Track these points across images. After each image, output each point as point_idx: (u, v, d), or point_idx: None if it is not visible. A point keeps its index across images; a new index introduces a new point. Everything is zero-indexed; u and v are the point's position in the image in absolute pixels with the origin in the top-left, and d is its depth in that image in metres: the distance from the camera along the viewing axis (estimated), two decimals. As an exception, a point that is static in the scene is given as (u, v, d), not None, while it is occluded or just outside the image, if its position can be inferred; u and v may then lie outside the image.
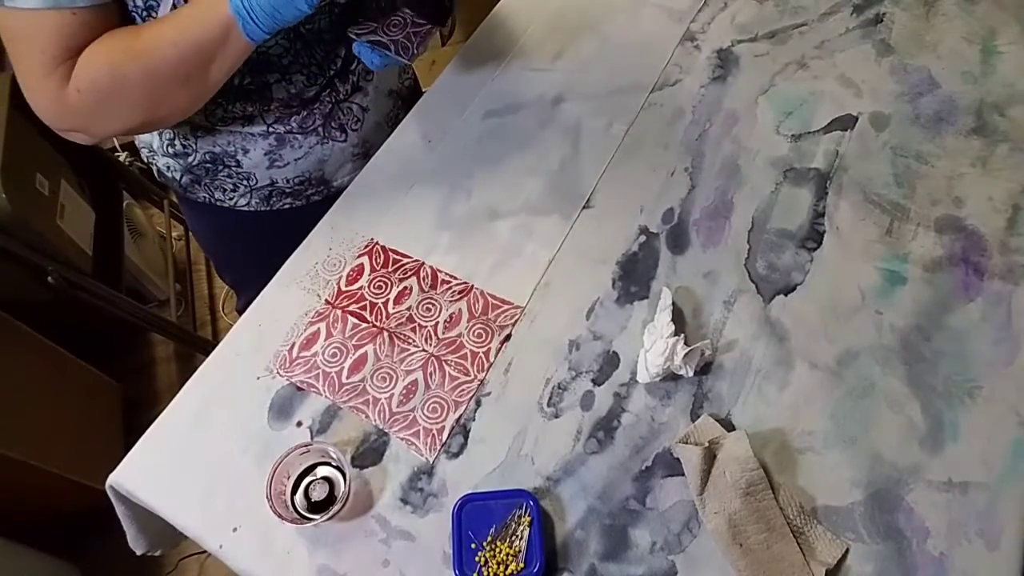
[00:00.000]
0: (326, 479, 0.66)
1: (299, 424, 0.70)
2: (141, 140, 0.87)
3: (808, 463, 0.65)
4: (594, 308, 0.76)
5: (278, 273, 0.81)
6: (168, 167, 0.87)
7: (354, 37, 0.74)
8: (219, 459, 0.68)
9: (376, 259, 0.81)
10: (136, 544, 0.75)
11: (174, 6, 0.65)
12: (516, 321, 0.76)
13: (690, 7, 1.04)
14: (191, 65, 0.64)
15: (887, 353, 0.71)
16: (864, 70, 0.94)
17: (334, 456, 0.64)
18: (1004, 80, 0.91)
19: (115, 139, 1.91)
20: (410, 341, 0.75)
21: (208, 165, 0.84)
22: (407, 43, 0.74)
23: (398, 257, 0.81)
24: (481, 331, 0.75)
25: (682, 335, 0.69)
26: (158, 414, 0.71)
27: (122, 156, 1.87)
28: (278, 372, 0.73)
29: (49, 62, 0.61)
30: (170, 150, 0.84)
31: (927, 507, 0.62)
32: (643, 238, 0.81)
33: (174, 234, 1.98)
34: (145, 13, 0.65)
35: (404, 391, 0.72)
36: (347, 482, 0.63)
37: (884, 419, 0.67)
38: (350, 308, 0.77)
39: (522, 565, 0.60)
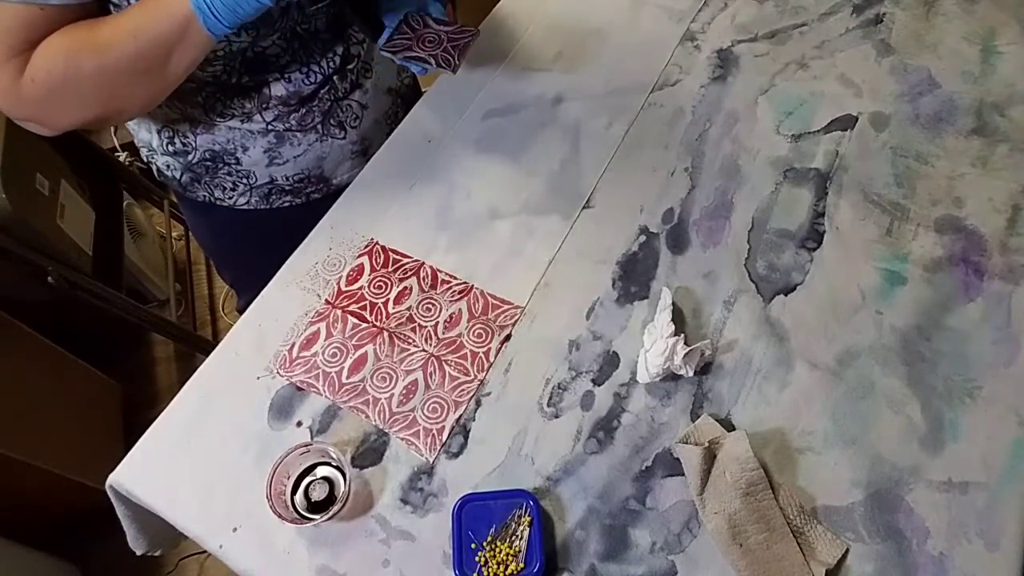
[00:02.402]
0: (326, 479, 0.66)
1: (299, 424, 0.70)
2: (140, 139, 0.87)
3: (808, 463, 0.65)
4: (594, 308, 0.76)
5: (278, 273, 0.81)
6: (168, 166, 0.87)
7: (389, 55, 0.74)
8: (219, 459, 0.68)
9: (376, 259, 0.81)
10: (136, 544, 0.75)
11: None
12: (516, 321, 0.76)
13: (690, 7, 1.04)
14: (149, 59, 0.63)
15: (887, 353, 0.71)
16: (864, 70, 0.94)
17: (334, 456, 0.64)
18: (1004, 80, 0.91)
19: (115, 139, 1.91)
20: (410, 341, 0.75)
21: (208, 163, 0.84)
22: (448, 56, 0.75)
23: (398, 257, 0.81)
24: (481, 331, 0.75)
25: (682, 335, 0.69)
26: (158, 414, 0.71)
27: (122, 156, 1.87)
28: (278, 372, 0.73)
29: (6, 51, 0.61)
30: (170, 148, 0.84)
31: (927, 507, 0.62)
32: (643, 238, 0.81)
33: (174, 234, 1.98)
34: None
35: (404, 391, 0.72)
36: (347, 482, 0.63)
37: (884, 419, 0.67)
38: (350, 308, 0.77)
39: (522, 565, 0.60)
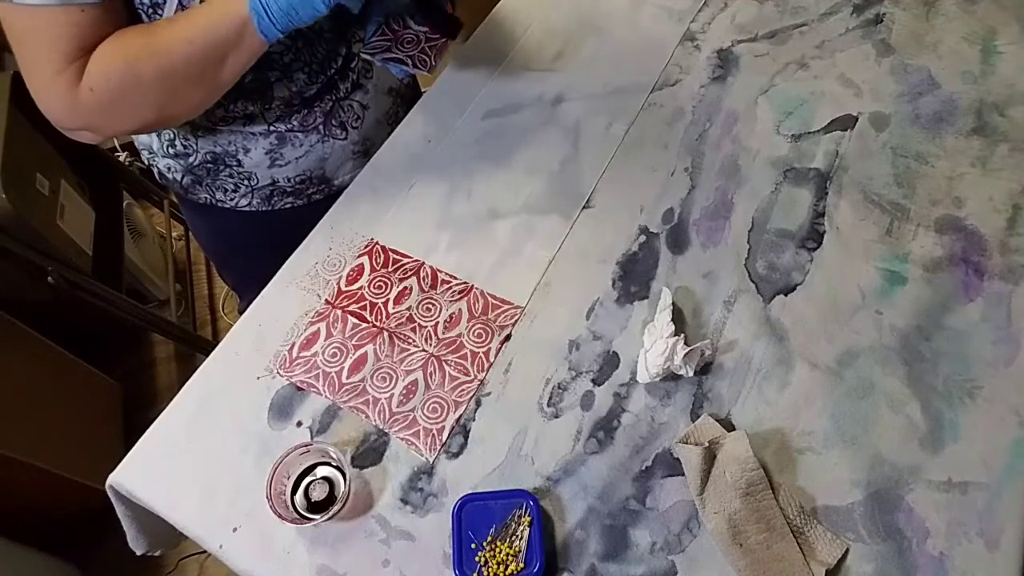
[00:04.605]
0: (326, 479, 0.66)
1: (299, 424, 0.70)
2: (140, 142, 0.87)
3: (808, 463, 0.65)
4: (594, 308, 0.76)
5: (278, 273, 0.81)
6: (169, 168, 0.87)
7: (368, 56, 0.75)
8: (219, 459, 0.68)
9: (376, 259, 0.81)
10: (136, 544, 0.75)
11: (180, 5, 0.65)
12: (516, 321, 0.76)
13: (690, 7, 1.04)
14: (206, 63, 0.64)
15: (887, 353, 0.71)
16: (864, 70, 0.94)
17: (334, 456, 0.64)
18: (1004, 80, 0.91)
19: (115, 139, 1.91)
20: (410, 341, 0.75)
21: (209, 165, 0.84)
22: (424, 57, 0.75)
23: (398, 257, 0.81)
24: (481, 331, 0.75)
25: (682, 335, 0.69)
26: (158, 414, 0.71)
27: (122, 156, 1.87)
28: (278, 372, 0.73)
29: (60, 60, 0.61)
30: (171, 151, 0.84)
31: (927, 507, 0.62)
32: (643, 238, 0.81)
33: (174, 234, 1.98)
34: (151, 11, 0.65)
35: (404, 391, 0.72)
36: (347, 482, 0.63)
37: (884, 419, 0.67)
38: (350, 308, 0.77)
39: (522, 565, 0.60)
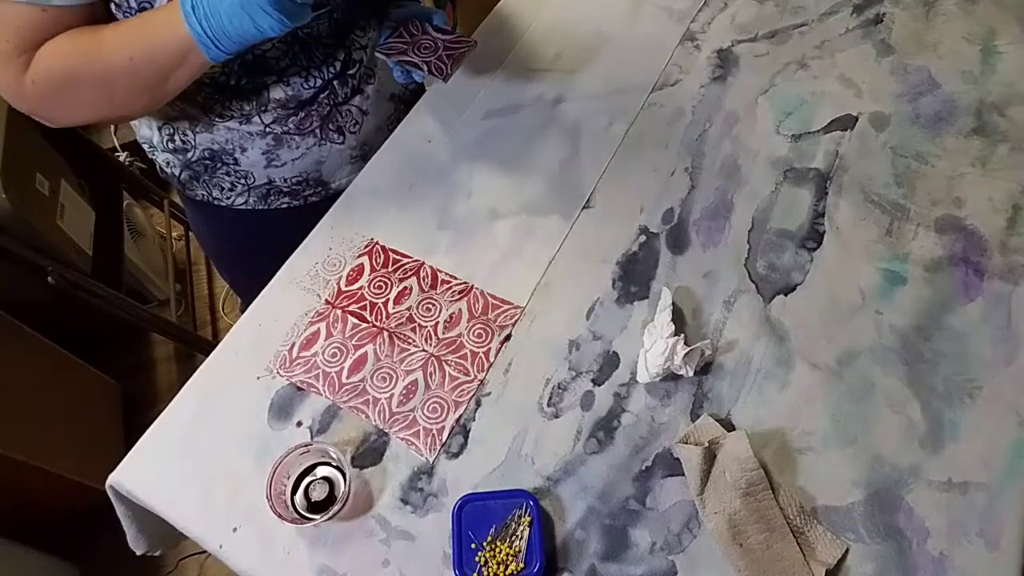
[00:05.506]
0: (326, 479, 0.66)
1: (299, 424, 0.70)
2: (142, 135, 0.87)
3: (808, 463, 0.65)
4: (594, 308, 0.76)
5: (278, 273, 0.81)
6: (168, 163, 0.87)
7: (383, 57, 0.74)
8: (219, 459, 0.68)
9: (376, 259, 0.81)
10: (136, 544, 0.75)
11: None
12: (516, 321, 0.76)
13: (690, 7, 1.04)
14: (147, 78, 0.64)
15: (887, 353, 0.71)
16: (864, 70, 0.94)
17: (334, 456, 0.64)
18: (1004, 80, 0.91)
19: (115, 139, 1.91)
20: (410, 341, 0.75)
21: (207, 162, 0.84)
22: (441, 64, 0.75)
23: (398, 257, 0.81)
24: (481, 331, 0.75)
25: (682, 335, 0.69)
26: (158, 414, 0.71)
27: (122, 156, 1.87)
28: (278, 372, 0.73)
29: (11, 51, 0.62)
30: (170, 145, 0.84)
31: (927, 507, 0.62)
32: (643, 238, 0.81)
33: (174, 234, 1.98)
34: (136, 15, 0.65)
35: (404, 391, 0.72)
36: (347, 482, 0.63)
37: (884, 419, 0.67)
38: (350, 308, 0.77)
39: (522, 565, 0.60)
